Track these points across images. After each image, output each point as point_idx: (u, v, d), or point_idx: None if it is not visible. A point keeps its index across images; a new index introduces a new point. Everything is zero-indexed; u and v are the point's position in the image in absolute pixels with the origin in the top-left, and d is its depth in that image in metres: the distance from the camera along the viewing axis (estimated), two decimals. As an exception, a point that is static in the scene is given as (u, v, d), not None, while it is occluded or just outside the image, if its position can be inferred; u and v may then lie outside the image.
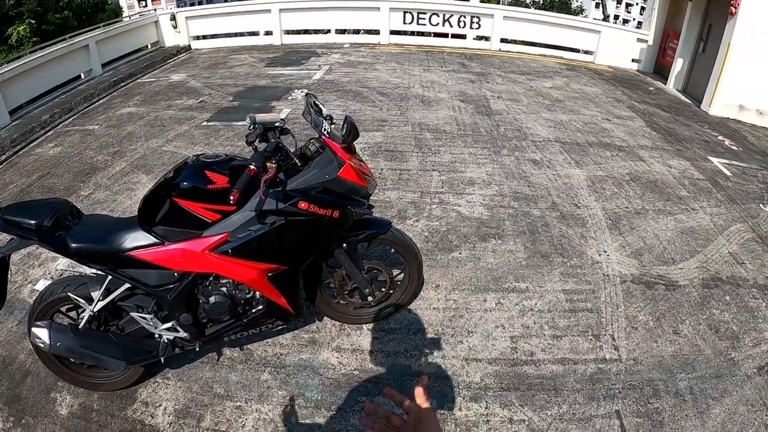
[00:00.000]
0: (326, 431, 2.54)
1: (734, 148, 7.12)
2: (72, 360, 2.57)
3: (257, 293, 2.57)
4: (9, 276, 2.52)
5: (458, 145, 6.20)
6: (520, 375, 3.09)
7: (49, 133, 6.82)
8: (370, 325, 3.20)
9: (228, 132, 6.55)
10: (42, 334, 2.35)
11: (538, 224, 4.38)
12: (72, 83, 8.76)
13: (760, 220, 5.96)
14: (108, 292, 2.43)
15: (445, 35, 13.10)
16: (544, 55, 12.42)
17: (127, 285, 2.42)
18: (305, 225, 2.44)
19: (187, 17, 11.97)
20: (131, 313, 2.47)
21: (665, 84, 10.51)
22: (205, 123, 6.91)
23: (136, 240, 2.31)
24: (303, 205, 2.38)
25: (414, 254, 3.04)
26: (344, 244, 2.75)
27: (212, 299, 2.48)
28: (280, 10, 12.06)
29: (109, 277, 2.39)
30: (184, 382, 2.80)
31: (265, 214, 2.34)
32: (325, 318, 3.19)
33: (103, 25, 9.96)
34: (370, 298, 3.06)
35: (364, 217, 2.73)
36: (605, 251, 4.24)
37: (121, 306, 2.52)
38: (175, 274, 2.40)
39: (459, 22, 12.38)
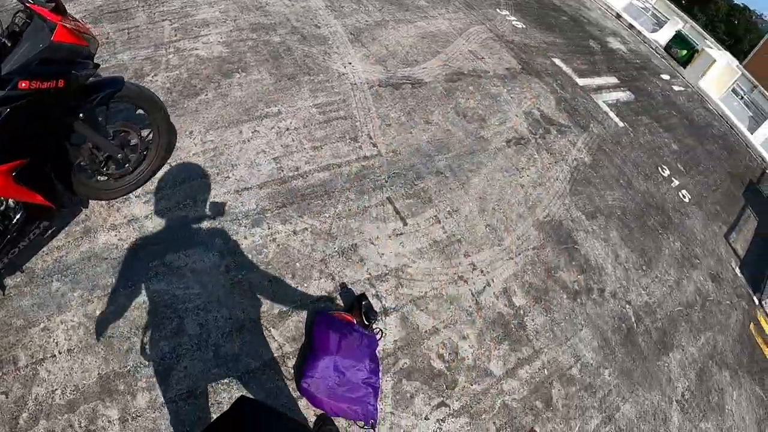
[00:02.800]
0: (131, 308, 2.52)
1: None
2: None
3: (10, 201, 2.31)
4: None
5: (183, -9, 5.71)
6: (292, 190, 3.25)
7: None
8: (138, 192, 3.00)
9: None
10: None
11: (280, 50, 4.39)
12: None
13: (497, 22, 6.87)
14: None
15: None
16: None
17: None
18: (33, 105, 2.21)
19: None
20: None
21: None
22: None
23: None
24: (23, 84, 2.11)
25: (157, 105, 2.86)
26: (81, 114, 2.52)
27: None
28: None
29: None
30: (-19, 332, 2.46)
31: None
32: (92, 201, 2.95)
33: None
34: (126, 164, 2.88)
35: (94, 80, 2.53)
36: (350, 63, 4.49)
37: None
38: None
39: None
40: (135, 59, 3.96)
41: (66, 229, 2.80)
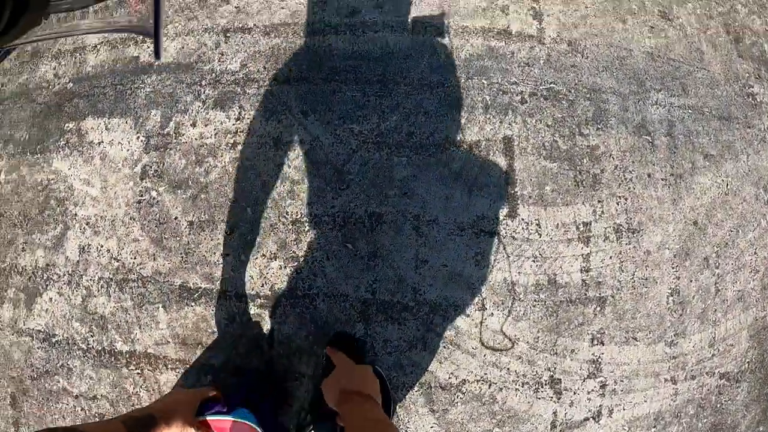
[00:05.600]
0: (28, 184, 2.00)
1: None
2: None
3: None
4: None
5: None
6: (317, 52, 1.70)
7: None
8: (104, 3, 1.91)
9: None
10: None
11: None
12: None
13: None
14: None
15: None
16: None
17: None
18: None
19: None
20: None
21: None
22: None
23: None
24: None
25: None
26: None
27: None
28: None
29: None
30: None
31: None
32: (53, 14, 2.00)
33: None
34: None
35: None
36: None
37: None
38: None
39: None
40: None
41: (17, 50, 2.23)
